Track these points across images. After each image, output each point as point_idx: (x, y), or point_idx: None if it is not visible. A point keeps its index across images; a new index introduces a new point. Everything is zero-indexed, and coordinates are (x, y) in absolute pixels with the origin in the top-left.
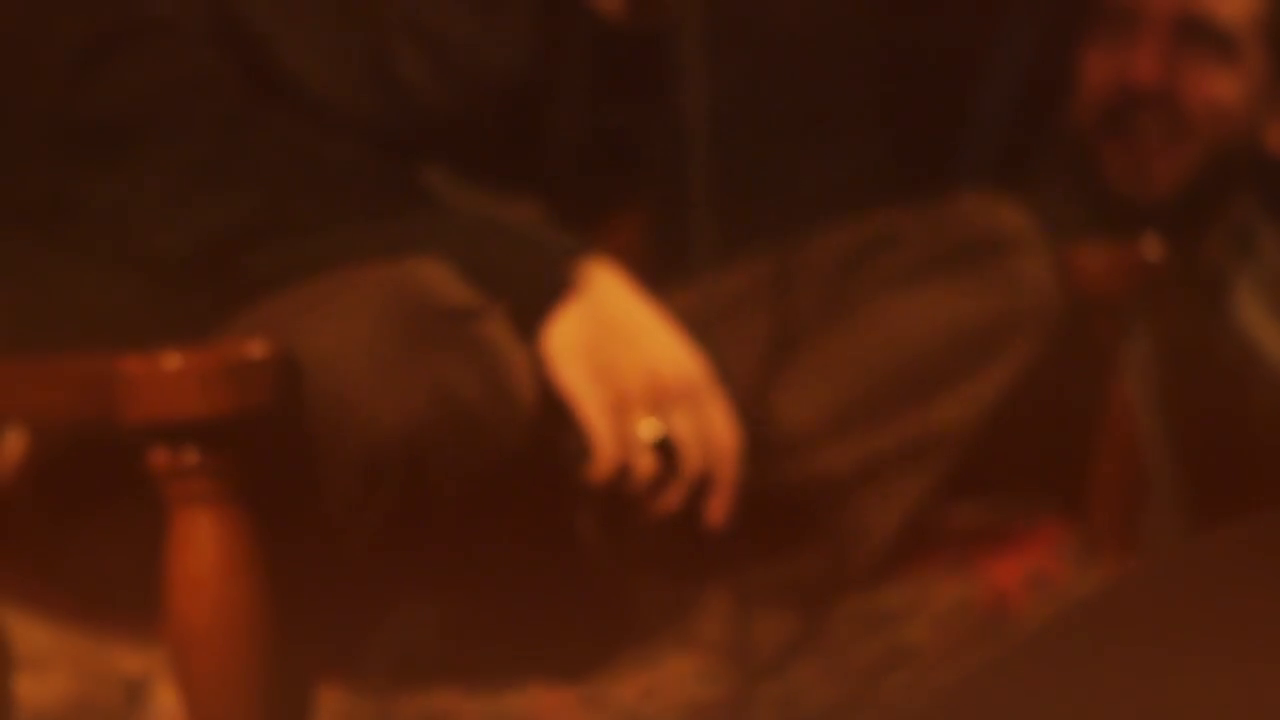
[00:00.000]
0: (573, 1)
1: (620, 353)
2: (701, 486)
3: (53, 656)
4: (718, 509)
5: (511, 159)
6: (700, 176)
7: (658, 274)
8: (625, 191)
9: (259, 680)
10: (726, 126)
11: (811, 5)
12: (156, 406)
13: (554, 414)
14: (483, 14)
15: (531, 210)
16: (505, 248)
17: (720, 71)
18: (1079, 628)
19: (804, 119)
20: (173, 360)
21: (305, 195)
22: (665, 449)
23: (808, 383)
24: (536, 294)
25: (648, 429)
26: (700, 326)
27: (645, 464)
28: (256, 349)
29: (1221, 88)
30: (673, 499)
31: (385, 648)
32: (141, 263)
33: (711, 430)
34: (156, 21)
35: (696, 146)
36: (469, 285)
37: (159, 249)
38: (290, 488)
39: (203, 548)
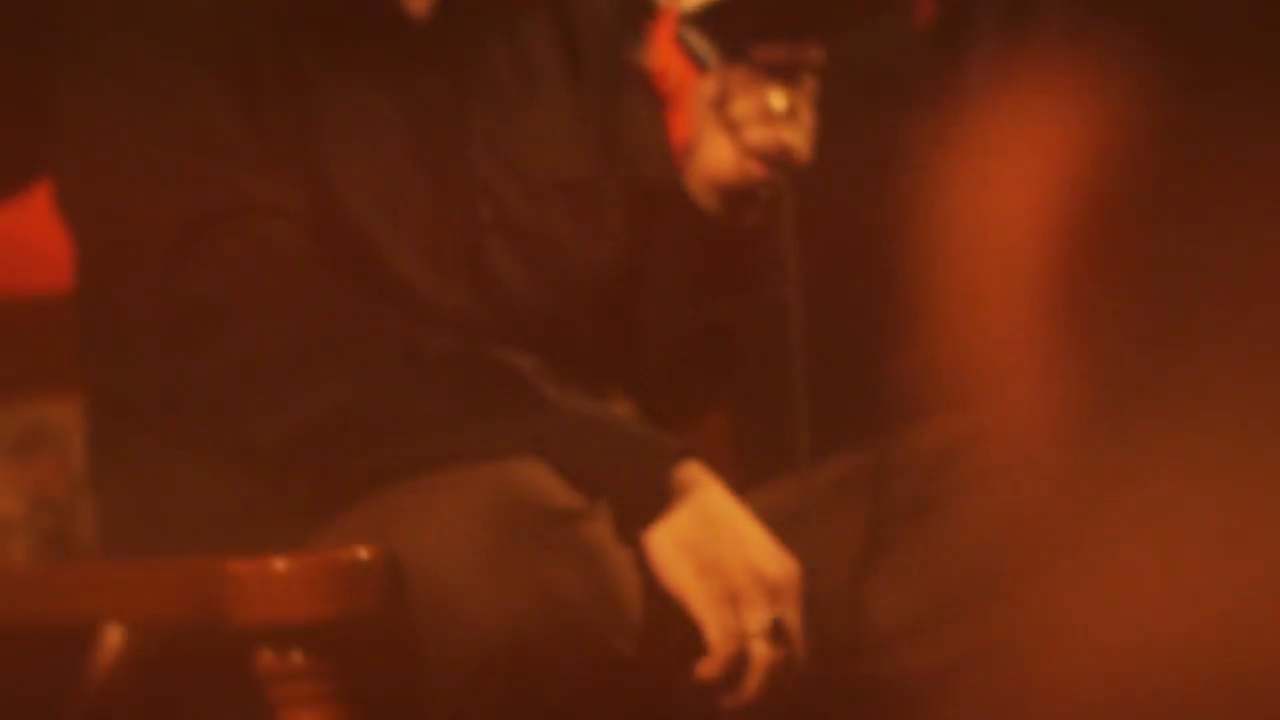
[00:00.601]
0: (668, 197)
1: (726, 550)
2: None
3: None
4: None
5: (605, 355)
6: (801, 370)
7: (742, 471)
8: (719, 389)
9: None
10: (822, 320)
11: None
12: (264, 609)
13: (658, 616)
14: (577, 210)
15: (623, 407)
16: (610, 447)
17: (816, 264)
18: None
19: (895, 312)
20: (280, 564)
21: (403, 388)
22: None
23: (898, 580)
24: (643, 495)
25: (757, 622)
26: (787, 524)
27: (761, 653)
28: (362, 553)
29: None
30: (786, 688)
31: None
32: (241, 456)
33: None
34: (257, 204)
35: (796, 341)
36: (572, 485)
37: (255, 439)
38: (395, 689)
39: None
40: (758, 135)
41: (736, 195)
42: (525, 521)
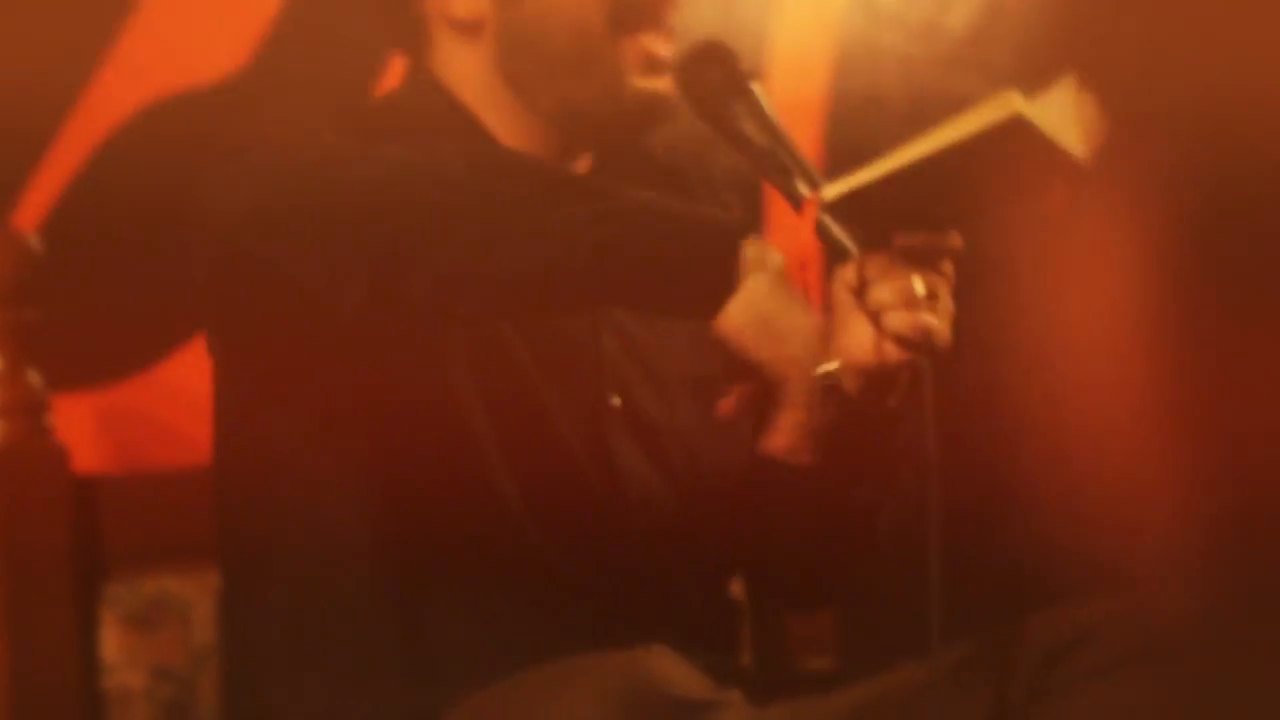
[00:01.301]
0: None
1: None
2: None
3: None
4: None
5: (728, 546)
6: (936, 553)
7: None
8: (848, 577)
9: None
10: (954, 502)
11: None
12: None
13: None
14: (702, 404)
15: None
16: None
17: (950, 445)
18: None
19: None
20: None
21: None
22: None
23: None
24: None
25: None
26: (908, 704)
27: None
28: None
29: None
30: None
31: None
32: None
33: None
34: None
35: (934, 525)
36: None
37: None
38: None
39: None
40: (899, 320)
41: (877, 379)
42: (657, 711)
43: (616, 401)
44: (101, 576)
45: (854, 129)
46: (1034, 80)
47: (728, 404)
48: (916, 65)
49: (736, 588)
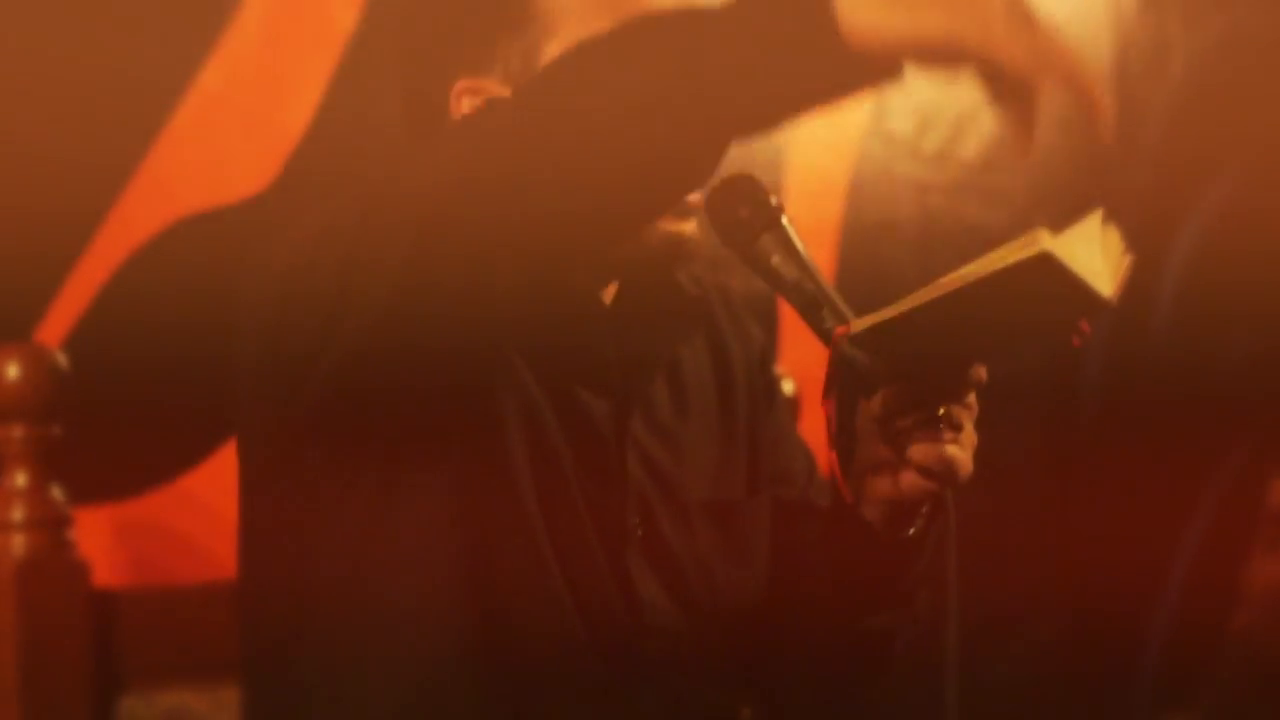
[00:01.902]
0: (823, 513)
1: None
2: None
3: None
4: None
5: (744, 670)
6: (953, 680)
7: None
8: (864, 702)
9: None
10: (972, 629)
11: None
12: None
13: None
14: (721, 530)
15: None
16: None
17: (969, 574)
18: None
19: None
20: None
21: None
22: None
23: None
24: None
25: None
26: None
27: None
28: None
29: None
30: None
31: None
32: None
33: None
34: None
35: (950, 652)
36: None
37: None
38: None
39: None
40: (923, 451)
41: (899, 509)
42: None
43: (637, 526)
44: (119, 690)
45: (867, 253)
46: (1044, 209)
47: None
48: (929, 192)
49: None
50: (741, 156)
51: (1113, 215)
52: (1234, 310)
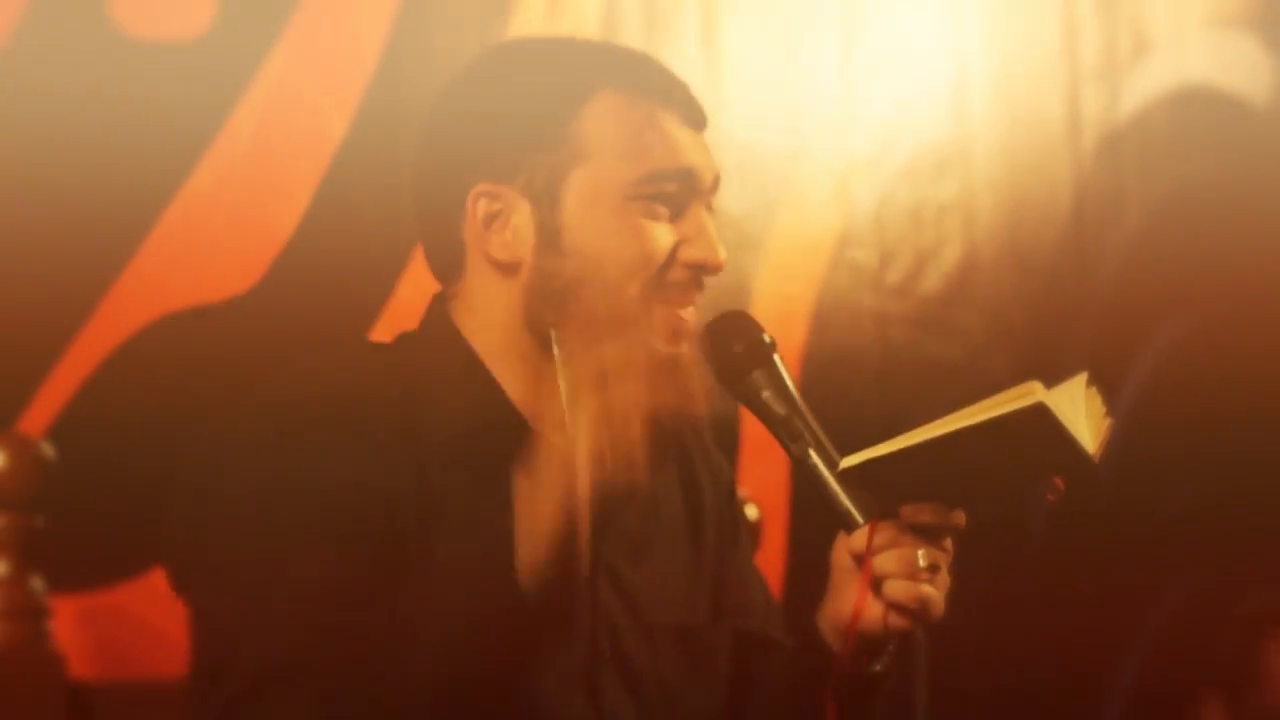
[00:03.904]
0: (785, 647)
1: None
2: None
3: None
4: None
5: None
6: None
7: None
8: None
9: None
10: None
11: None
12: None
13: None
14: (686, 654)
15: None
16: None
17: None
18: None
19: None
20: None
21: None
22: None
23: None
24: None
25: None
26: None
27: None
28: None
29: None
30: None
31: None
32: None
33: None
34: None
35: None
36: None
37: None
38: None
39: None
40: (899, 589)
41: (869, 644)
42: None
43: (606, 647)
44: None
45: (827, 383)
46: (1000, 347)
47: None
48: (890, 324)
49: None
50: (711, 281)
51: (1064, 358)
52: (1176, 458)
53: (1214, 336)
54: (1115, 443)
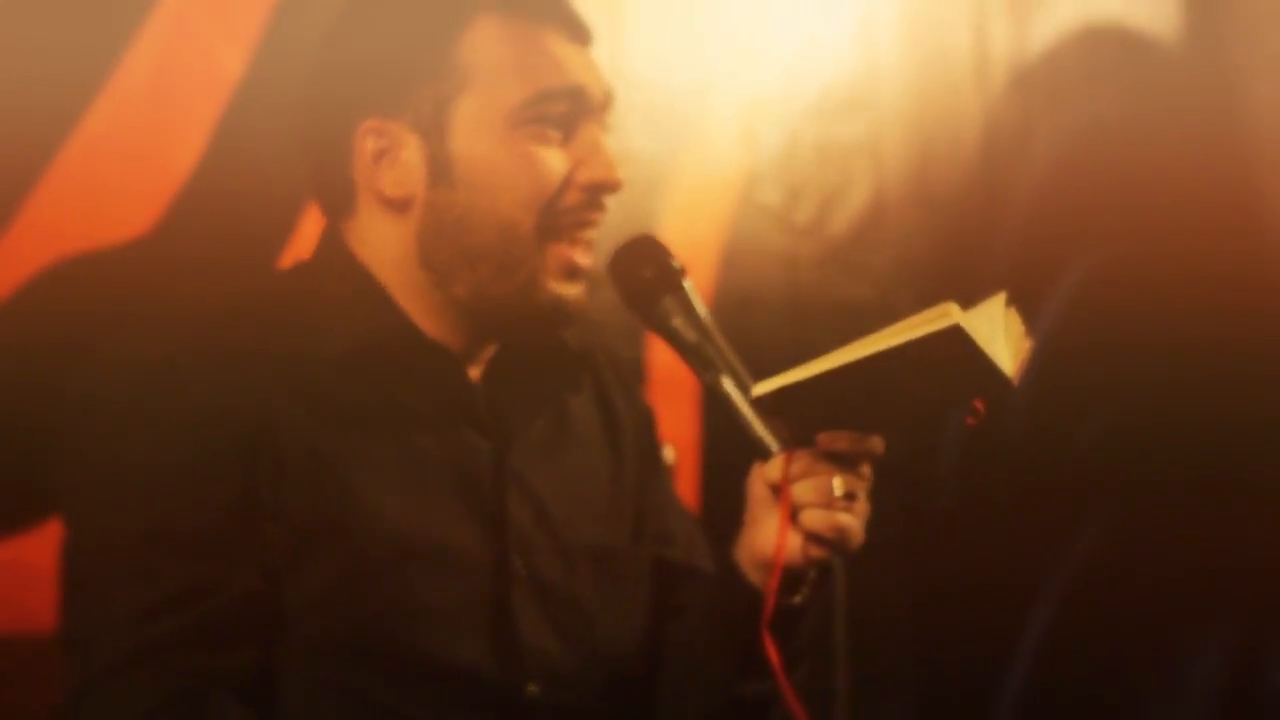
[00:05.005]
0: (708, 575)
1: None
2: None
3: None
4: None
5: None
6: None
7: None
8: None
9: None
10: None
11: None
12: None
13: None
14: (604, 576)
15: None
16: None
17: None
18: None
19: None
20: None
21: None
22: None
23: None
24: None
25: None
26: None
27: None
28: None
29: None
30: None
31: None
32: None
33: None
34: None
35: None
36: None
37: None
38: None
39: None
40: (817, 518)
41: (788, 575)
42: None
43: (520, 565)
44: None
45: (735, 326)
46: (909, 286)
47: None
48: (799, 265)
49: None
50: (617, 221)
51: (974, 296)
52: (1088, 393)
53: (1123, 272)
54: (1029, 378)
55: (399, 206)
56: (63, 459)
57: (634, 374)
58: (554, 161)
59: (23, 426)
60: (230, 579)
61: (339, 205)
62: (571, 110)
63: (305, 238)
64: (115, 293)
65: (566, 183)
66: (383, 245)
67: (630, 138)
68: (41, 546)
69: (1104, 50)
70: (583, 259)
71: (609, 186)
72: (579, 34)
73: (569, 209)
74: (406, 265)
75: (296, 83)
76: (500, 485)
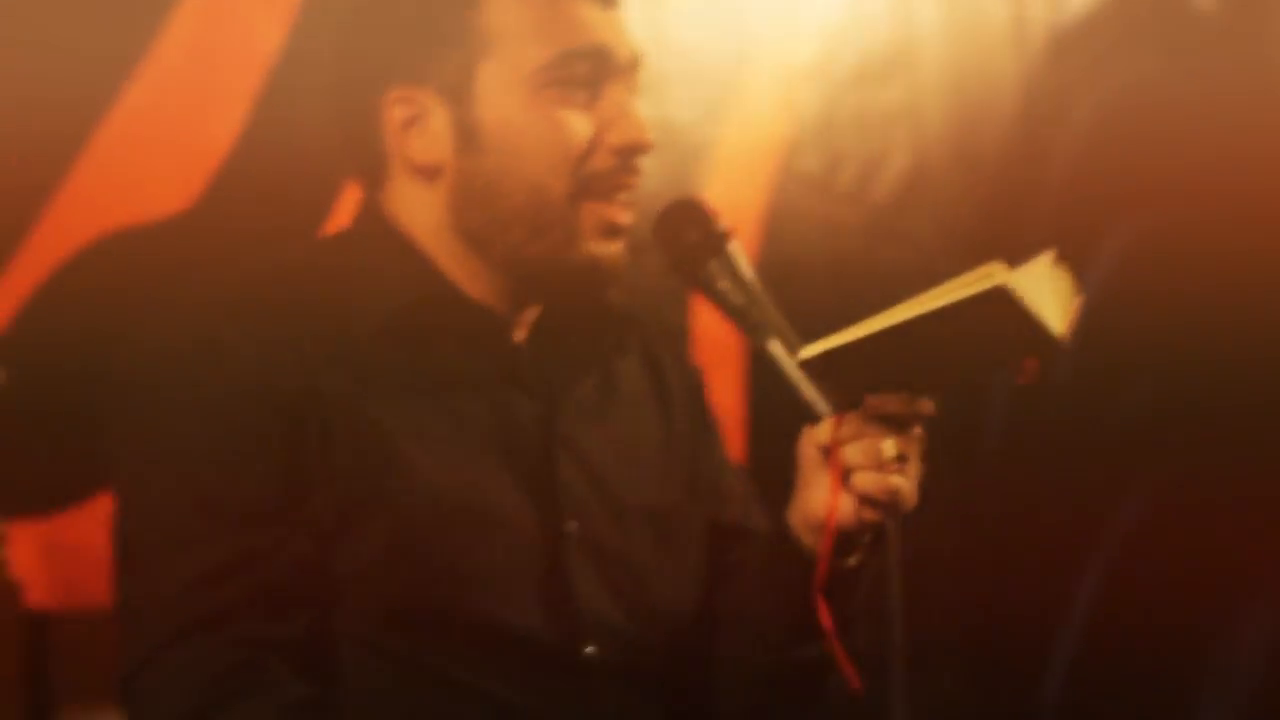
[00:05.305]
0: (762, 538)
1: None
2: None
3: None
4: None
5: (678, 688)
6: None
7: None
8: None
9: None
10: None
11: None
12: None
13: None
14: (660, 536)
15: None
16: None
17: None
18: None
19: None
20: None
21: None
22: None
23: None
24: None
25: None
26: None
27: None
28: None
29: None
30: None
31: None
32: None
33: None
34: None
35: (898, 688)
36: None
37: None
38: None
39: None
40: (868, 481)
41: (841, 538)
42: None
43: (573, 527)
44: (51, 712)
45: (778, 293)
46: (951, 251)
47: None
48: (841, 232)
49: None
50: (658, 189)
51: (1015, 262)
52: (1132, 359)
53: (1165, 237)
54: (1073, 344)
55: (430, 174)
56: (111, 438)
57: (680, 338)
58: (578, 124)
59: (68, 404)
60: (282, 547)
61: (373, 176)
62: (595, 71)
63: (345, 210)
64: (157, 269)
65: (594, 145)
66: (418, 213)
67: (670, 106)
68: (93, 524)
69: (1141, 12)
70: (621, 217)
71: (639, 148)
72: None
73: (602, 173)
74: (442, 231)
75: (326, 55)
76: (549, 447)
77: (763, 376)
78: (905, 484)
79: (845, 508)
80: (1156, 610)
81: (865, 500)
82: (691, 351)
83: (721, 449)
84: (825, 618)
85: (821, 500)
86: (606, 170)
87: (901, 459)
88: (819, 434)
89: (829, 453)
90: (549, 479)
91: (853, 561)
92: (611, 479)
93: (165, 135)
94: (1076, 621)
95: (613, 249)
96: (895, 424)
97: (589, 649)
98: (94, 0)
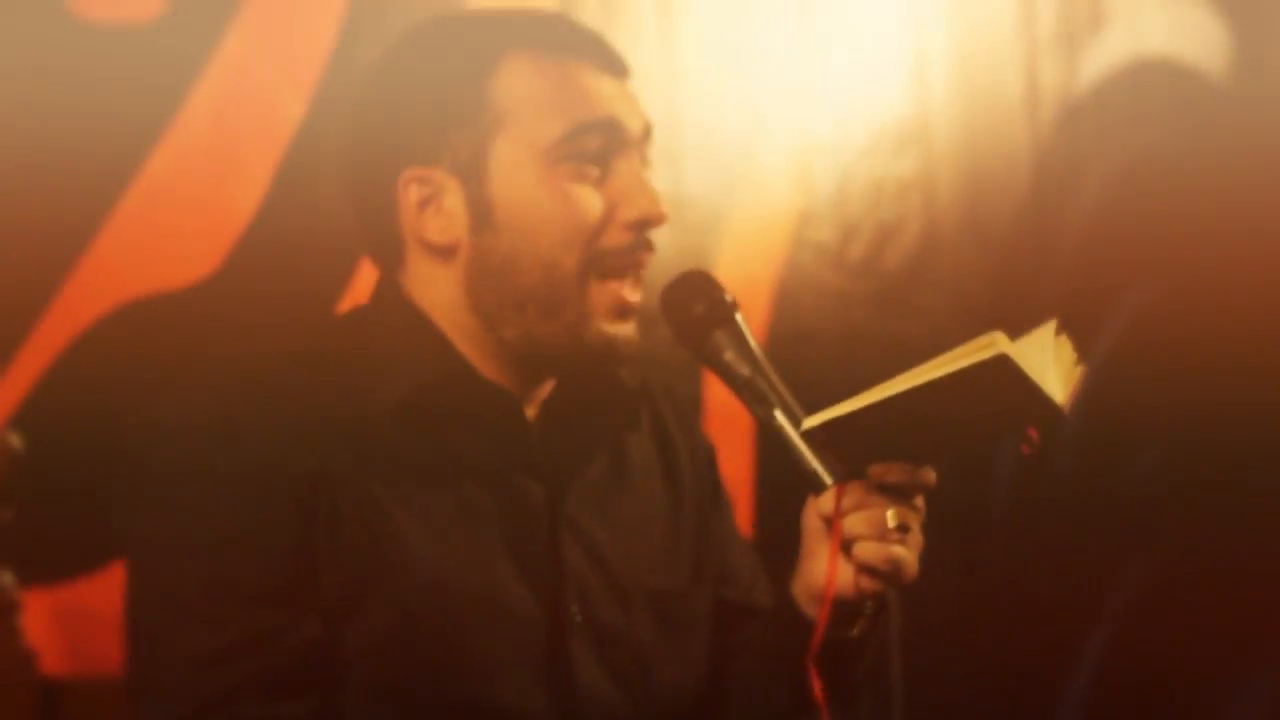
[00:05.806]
0: (766, 613)
1: None
2: None
3: None
4: None
5: None
6: None
7: None
8: None
9: None
10: None
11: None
12: None
13: None
14: (664, 621)
15: None
16: None
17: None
18: None
19: None
20: None
21: None
22: None
23: None
24: None
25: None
26: None
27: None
28: None
29: None
30: None
31: None
32: None
33: None
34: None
35: None
36: None
37: None
38: None
39: None
40: (870, 551)
41: (843, 608)
42: None
43: (576, 611)
44: None
45: (789, 363)
46: (962, 323)
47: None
48: (852, 303)
49: None
50: (672, 261)
51: (1026, 333)
52: (1138, 430)
53: (1175, 307)
54: (1078, 416)
55: (445, 253)
56: (123, 513)
57: (692, 409)
58: (591, 199)
59: (85, 471)
60: (292, 627)
61: (389, 256)
62: (607, 144)
63: (364, 282)
64: (175, 340)
65: (607, 220)
66: (435, 291)
67: (684, 179)
68: (107, 591)
69: (1153, 85)
70: (631, 295)
71: (653, 221)
72: (613, 67)
73: (617, 250)
74: (457, 310)
75: (341, 135)
76: (555, 531)
77: (771, 446)
78: (906, 554)
79: (845, 577)
80: (1159, 682)
81: (866, 570)
82: (703, 423)
83: (731, 525)
84: (817, 687)
85: (823, 570)
86: (620, 247)
87: (903, 529)
88: (822, 504)
89: (831, 522)
90: (554, 563)
91: (855, 632)
92: (617, 562)
93: (188, 204)
94: (1079, 692)
95: (626, 328)
96: (898, 494)
97: None
98: (120, 71)
